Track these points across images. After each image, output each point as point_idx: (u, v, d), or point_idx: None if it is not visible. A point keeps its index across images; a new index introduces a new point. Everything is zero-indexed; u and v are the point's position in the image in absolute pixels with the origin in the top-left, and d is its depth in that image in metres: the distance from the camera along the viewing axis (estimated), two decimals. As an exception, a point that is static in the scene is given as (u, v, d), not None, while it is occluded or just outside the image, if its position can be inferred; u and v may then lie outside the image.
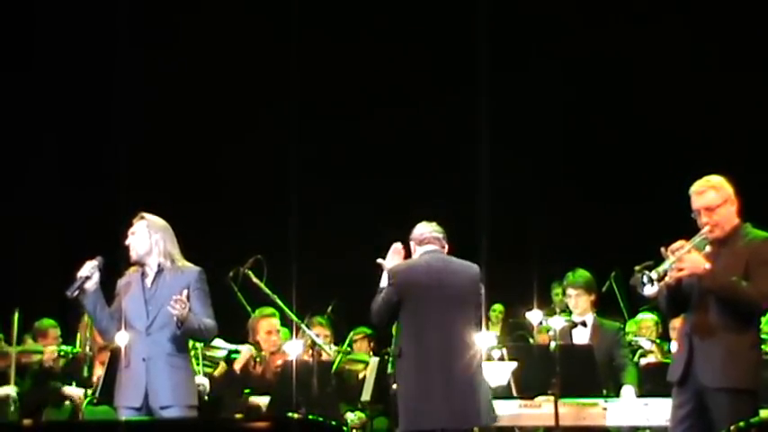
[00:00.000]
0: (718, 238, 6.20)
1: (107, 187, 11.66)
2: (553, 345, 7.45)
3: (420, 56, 12.18)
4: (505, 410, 7.46)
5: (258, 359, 8.48)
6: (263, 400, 8.18)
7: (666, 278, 6.11)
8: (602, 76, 11.80)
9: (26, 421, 8.24)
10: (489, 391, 7.02)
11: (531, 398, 7.52)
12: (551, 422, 7.32)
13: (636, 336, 9.09)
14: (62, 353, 8.97)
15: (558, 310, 9.50)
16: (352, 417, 8.70)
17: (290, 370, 7.82)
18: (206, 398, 8.06)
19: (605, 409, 7.44)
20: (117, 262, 6.93)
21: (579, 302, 8.16)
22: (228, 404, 8.28)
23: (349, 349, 9.30)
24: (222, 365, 8.44)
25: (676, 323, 7.70)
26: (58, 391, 8.89)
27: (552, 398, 7.29)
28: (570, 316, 8.27)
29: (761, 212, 6.40)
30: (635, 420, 7.49)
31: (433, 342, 6.80)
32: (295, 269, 9.31)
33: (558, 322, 7.91)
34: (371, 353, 9.45)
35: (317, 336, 8.26)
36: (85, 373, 8.67)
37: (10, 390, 8.65)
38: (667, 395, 6.51)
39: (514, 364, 7.47)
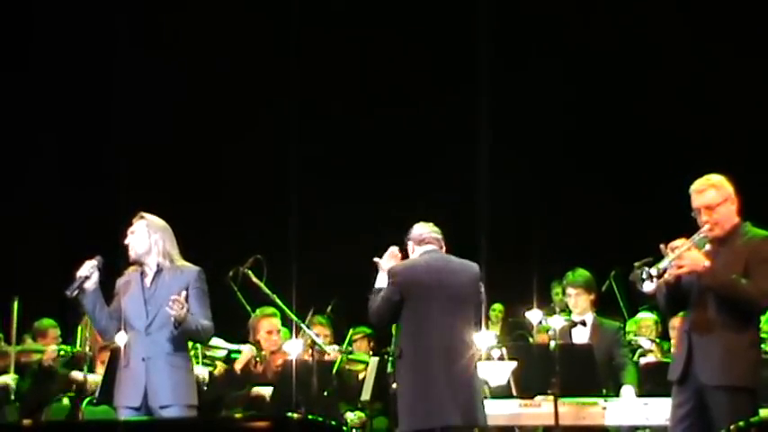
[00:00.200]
0: (718, 237, 6.21)
1: (107, 187, 11.67)
2: (553, 344, 7.44)
3: (420, 55, 12.18)
4: (505, 410, 7.47)
5: (259, 359, 8.48)
6: (266, 391, 8.18)
7: (666, 275, 6.11)
8: (602, 76, 11.80)
9: (26, 421, 8.23)
10: (484, 390, 7.04)
11: (531, 397, 7.52)
12: (551, 422, 7.32)
13: (635, 335, 9.10)
14: (62, 352, 8.97)
15: (557, 310, 9.50)
16: (352, 416, 8.71)
17: (289, 369, 7.83)
18: (205, 388, 8.07)
19: (605, 408, 7.44)
20: (117, 262, 6.93)
21: (579, 302, 8.17)
22: (231, 398, 8.28)
23: (350, 348, 9.30)
24: (222, 365, 8.44)
25: (675, 322, 7.71)
26: (66, 377, 8.88)
27: (552, 397, 7.28)
28: (570, 315, 8.28)
29: (761, 211, 6.40)
30: (635, 420, 7.49)
31: (434, 341, 6.80)
32: (295, 269, 9.31)
33: (557, 322, 7.91)
34: (371, 352, 9.45)
35: (317, 335, 8.26)
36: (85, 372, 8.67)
37: (8, 378, 8.66)
38: (667, 394, 6.51)
39: (514, 364, 7.47)
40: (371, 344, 9.75)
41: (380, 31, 12.12)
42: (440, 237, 7.08)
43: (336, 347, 8.89)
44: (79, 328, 9.02)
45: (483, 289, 7.08)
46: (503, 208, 11.39)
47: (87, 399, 8.34)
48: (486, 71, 11.69)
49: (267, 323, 8.57)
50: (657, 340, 8.98)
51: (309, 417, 5.12)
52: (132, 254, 6.72)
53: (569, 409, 7.41)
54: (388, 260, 7.06)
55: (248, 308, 8.66)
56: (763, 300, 6.14)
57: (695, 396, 6.15)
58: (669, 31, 11.54)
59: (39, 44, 11.96)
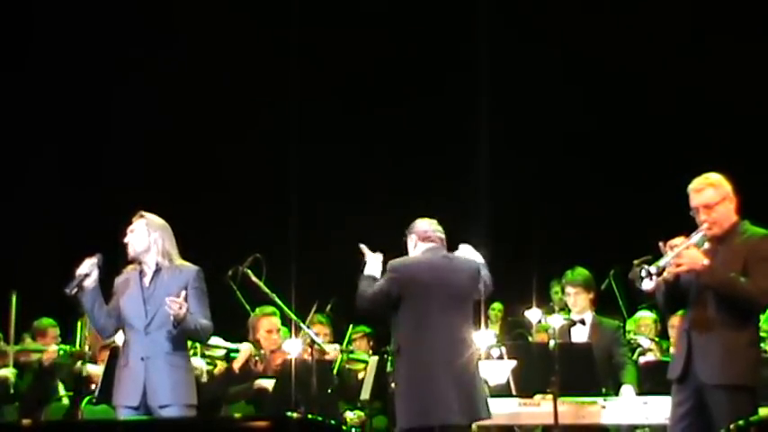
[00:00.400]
0: (717, 236, 6.21)
1: (107, 187, 11.67)
2: (552, 343, 7.45)
3: (420, 55, 12.18)
4: (505, 409, 7.47)
5: (258, 357, 8.48)
6: (270, 384, 8.18)
7: (665, 274, 6.11)
8: (602, 76, 11.80)
9: (25, 421, 8.22)
10: (484, 387, 7.04)
11: (531, 396, 7.53)
12: (550, 420, 7.32)
13: (635, 334, 9.10)
14: (62, 352, 8.97)
15: (556, 309, 9.51)
16: (352, 415, 8.71)
17: (289, 369, 7.83)
18: (204, 380, 8.07)
19: (604, 407, 7.45)
20: (116, 261, 6.93)
21: (578, 301, 8.17)
22: (234, 392, 8.29)
23: (350, 348, 9.31)
24: (222, 364, 8.44)
25: (675, 321, 7.71)
26: (70, 369, 8.88)
27: (551, 396, 7.29)
28: (569, 314, 8.28)
29: (760, 210, 6.40)
30: (634, 419, 7.51)
31: (434, 340, 6.79)
32: (294, 268, 9.31)
33: (556, 320, 7.92)
34: (371, 352, 9.45)
35: (317, 334, 8.26)
36: (84, 372, 8.67)
37: (8, 372, 8.66)
38: (666, 393, 6.51)
39: (513, 363, 7.48)
40: (371, 343, 9.76)
41: (380, 30, 12.12)
42: (443, 236, 7.09)
43: (336, 347, 8.90)
44: (78, 326, 9.02)
45: (486, 277, 7.05)
46: (502, 207, 11.40)
47: (87, 398, 8.34)
48: (486, 71, 11.69)
49: (267, 322, 8.57)
50: (657, 339, 8.98)
51: (309, 416, 5.13)
52: (131, 252, 6.72)
53: (569, 408, 7.42)
54: (373, 258, 7.06)
55: (247, 307, 8.66)
56: (763, 298, 6.15)
57: (695, 395, 6.15)
58: (669, 30, 11.54)
59: (39, 44, 11.97)
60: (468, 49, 11.87)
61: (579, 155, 11.86)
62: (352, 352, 9.14)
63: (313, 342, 7.82)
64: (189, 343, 6.95)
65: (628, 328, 9.23)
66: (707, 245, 6.21)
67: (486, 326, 8.76)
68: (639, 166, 11.61)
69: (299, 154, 11.59)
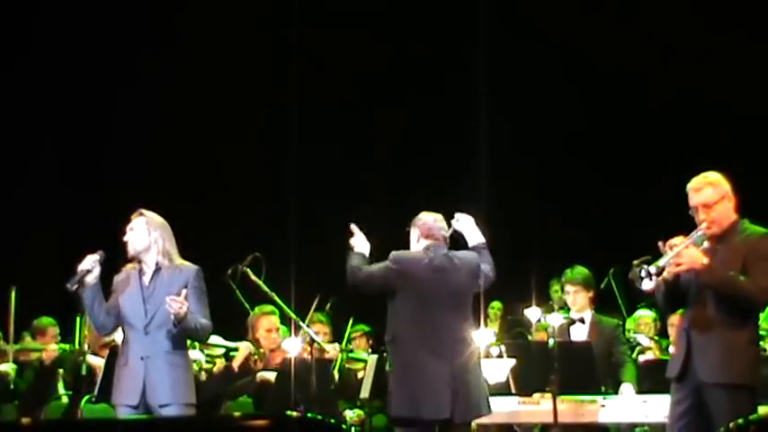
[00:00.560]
0: (716, 235, 6.21)
1: (107, 187, 11.67)
2: (551, 342, 7.44)
3: (420, 55, 12.19)
4: (504, 407, 7.47)
5: (257, 356, 8.48)
6: (273, 375, 8.18)
7: (664, 273, 6.12)
8: (602, 75, 11.80)
9: (25, 419, 8.22)
10: (486, 384, 7.04)
11: (530, 395, 7.53)
12: (550, 419, 7.32)
13: (634, 332, 9.10)
14: (61, 351, 8.97)
15: (556, 307, 9.50)
16: (351, 414, 8.71)
17: (288, 367, 7.83)
18: (202, 374, 8.06)
19: (604, 405, 7.45)
20: (116, 261, 6.92)
21: (577, 299, 8.17)
22: (237, 386, 8.29)
23: (350, 347, 9.31)
24: (221, 362, 8.44)
25: (674, 320, 7.71)
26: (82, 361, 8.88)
27: (551, 395, 7.29)
28: (568, 313, 8.27)
29: (760, 209, 6.40)
30: (633, 417, 7.50)
31: (431, 337, 6.79)
32: (293, 267, 9.31)
33: (556, 319, 7.91)
34: (370, 350, 9.46)
35: (317, 333, 8.27)
36: (84, 371, 8.66)
37: (8, 367, 8.66)
38: (666, 392, 6.51)
39: (513, 361, 7.48)
40: (370, 341, 9.76)
41: (380, 30, 12.13)
42: (447, 234, 7.10)
43: (336, 345, 8.90)
44: (77, 323, 9.01)
45: (486, 270, 7.05)
46: (502, 206, 11.39)
47: (86, 397, 8.34)
48: (485, 70, 11.70)
49: (266, 321, 8.58)
50: (656, 338, 8.99)
51: (308, 415, 5.12)
52: (131, 250, 6.69)
53: (568, 407, 7.42)
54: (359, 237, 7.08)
55: (247, 306, 8.66)
56: (762, 297, 6.14)
57: (694, 393, 6.15)
58: (669, 30, 11.54)
59: (39, 44, 11.97)
60: (468, 48, 11.88)
61: (579, 154, 11.86)
62: (351, 351, 9.14)
63: (312, 341, 7.83)
64: (188, 341, 6.96)
65: (627, 326, 9.24)
66: (706, 244, 6.21)
67: (486, 324, 8.77)
68: (639, 165, 11.61)
69: (298, 154, 11.59)
